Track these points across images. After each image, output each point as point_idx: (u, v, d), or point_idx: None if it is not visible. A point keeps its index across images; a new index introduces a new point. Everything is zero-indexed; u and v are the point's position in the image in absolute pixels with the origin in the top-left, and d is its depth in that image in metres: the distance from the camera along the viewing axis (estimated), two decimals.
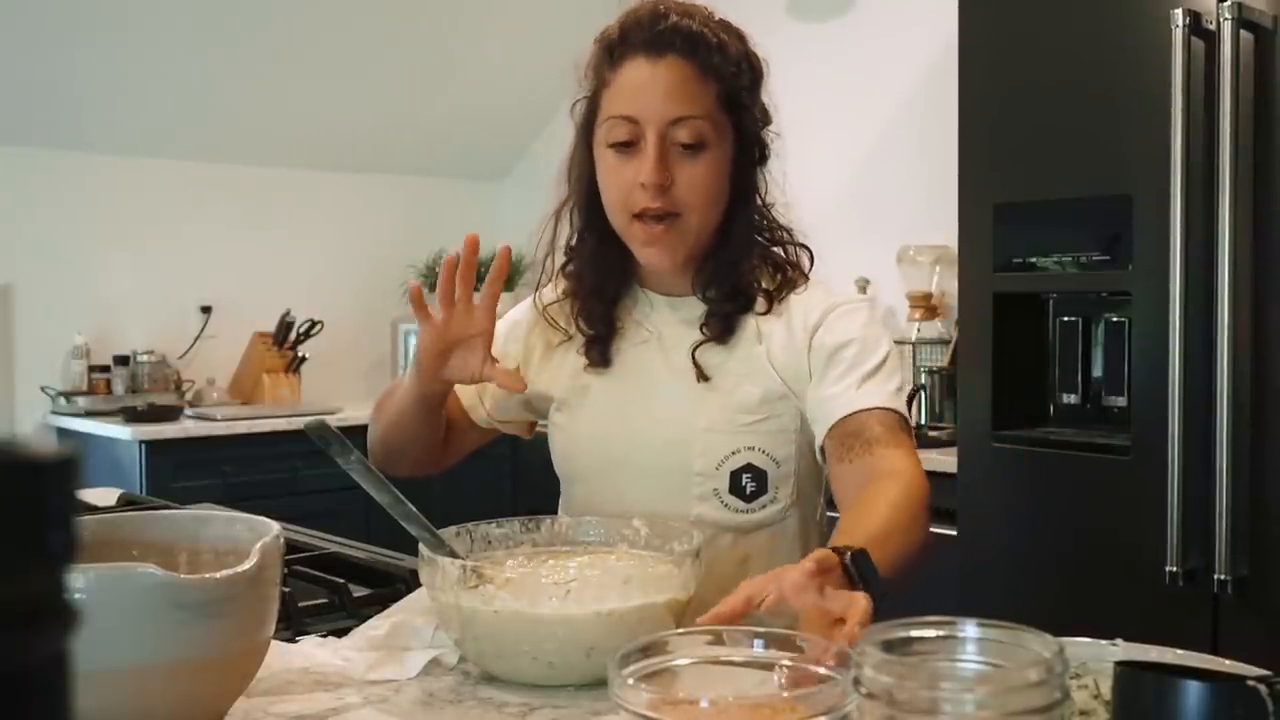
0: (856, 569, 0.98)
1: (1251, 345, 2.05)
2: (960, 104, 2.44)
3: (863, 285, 3.43)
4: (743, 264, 1.36)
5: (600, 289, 1.40)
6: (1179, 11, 2.05)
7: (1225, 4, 2.02)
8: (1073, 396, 2.42)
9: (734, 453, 1.32)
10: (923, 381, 3.04)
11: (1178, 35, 2.05)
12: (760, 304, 1.36)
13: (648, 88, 1.29)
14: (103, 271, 3.85)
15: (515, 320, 1.49)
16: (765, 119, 1.38)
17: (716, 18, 1.35)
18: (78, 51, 3.49)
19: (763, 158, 1.38)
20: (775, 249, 1.40)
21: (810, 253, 1.43)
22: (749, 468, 1.32)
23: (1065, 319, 2.43)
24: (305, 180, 4.27)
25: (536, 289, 1.47)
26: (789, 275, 1.39)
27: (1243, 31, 2.03)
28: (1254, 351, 2.05)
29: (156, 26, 3.54)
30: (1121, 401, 2.30)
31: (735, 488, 1.32)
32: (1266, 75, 2.03)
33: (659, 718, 0.74)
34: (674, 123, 1.29)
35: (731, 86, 1.32)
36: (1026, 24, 2.34)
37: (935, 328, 3.31)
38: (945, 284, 3.28)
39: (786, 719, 0.75)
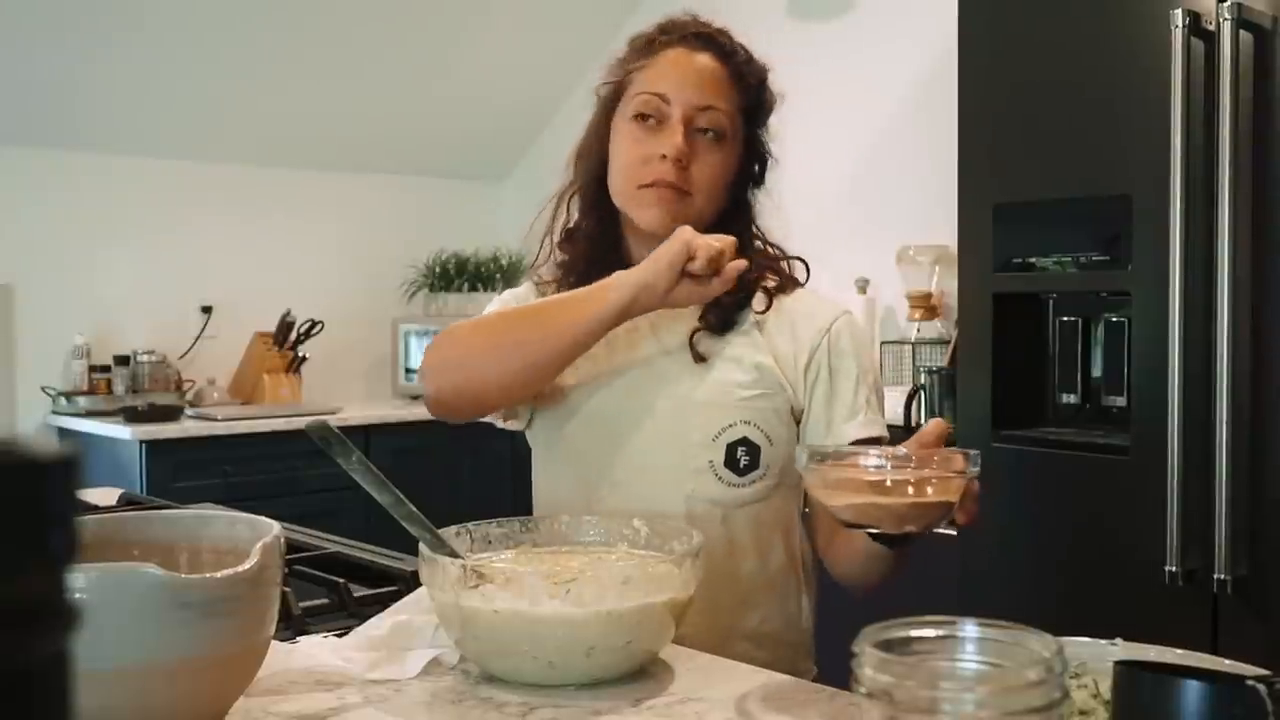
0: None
1: (1251, 345, 2.04)
2: (960, 104, 2.44)
3: (863, 285, 3.43)
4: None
5: (592, 266, 1.42)
6: (1179, 12, 2.05)
7: (1225, 4, 2.02)
8: (1072, 396, 2.42)
9: (731, 425, 1.35)
10: (922, 381, 3.04)
11: (1177, 35, 2.05)
12: (759, 301, 1.41)
13: (684, 72, 1.38)
14: (103, 271, 3.85)
15: (514, 296, 1.52)
16: (766, 152, 1.47)
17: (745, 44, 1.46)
18: (78, 51, 3.49)
19: (759, 180, 1.47)
20: (778, 263, 1.47)
21: (806, 265, 1.50)
22: (745, 441, 1.35)
23: (1065, 319, 2.43)
24: (305, 180, 4.27)
25: (533, 267, 1.50)
26: (782, 282, 1.45)
27: (1242, 32, 2.03)
28: (1254, 351, 2.05)
29: (157, 26, 3.54)
30: (1121, 401, 2.30)
31: (730, 460, 1.35)
32: (1266, 75, 2.03)
33: (837, 466, 1.04)
34: (701, 110, 1.37)
35: (753, 101, 1.42)
36: (1026, 24, 2.34)
37: (935, 328, 3.31)
38: (945, 284, 3.28)
39: (930, 468, 1.05)
